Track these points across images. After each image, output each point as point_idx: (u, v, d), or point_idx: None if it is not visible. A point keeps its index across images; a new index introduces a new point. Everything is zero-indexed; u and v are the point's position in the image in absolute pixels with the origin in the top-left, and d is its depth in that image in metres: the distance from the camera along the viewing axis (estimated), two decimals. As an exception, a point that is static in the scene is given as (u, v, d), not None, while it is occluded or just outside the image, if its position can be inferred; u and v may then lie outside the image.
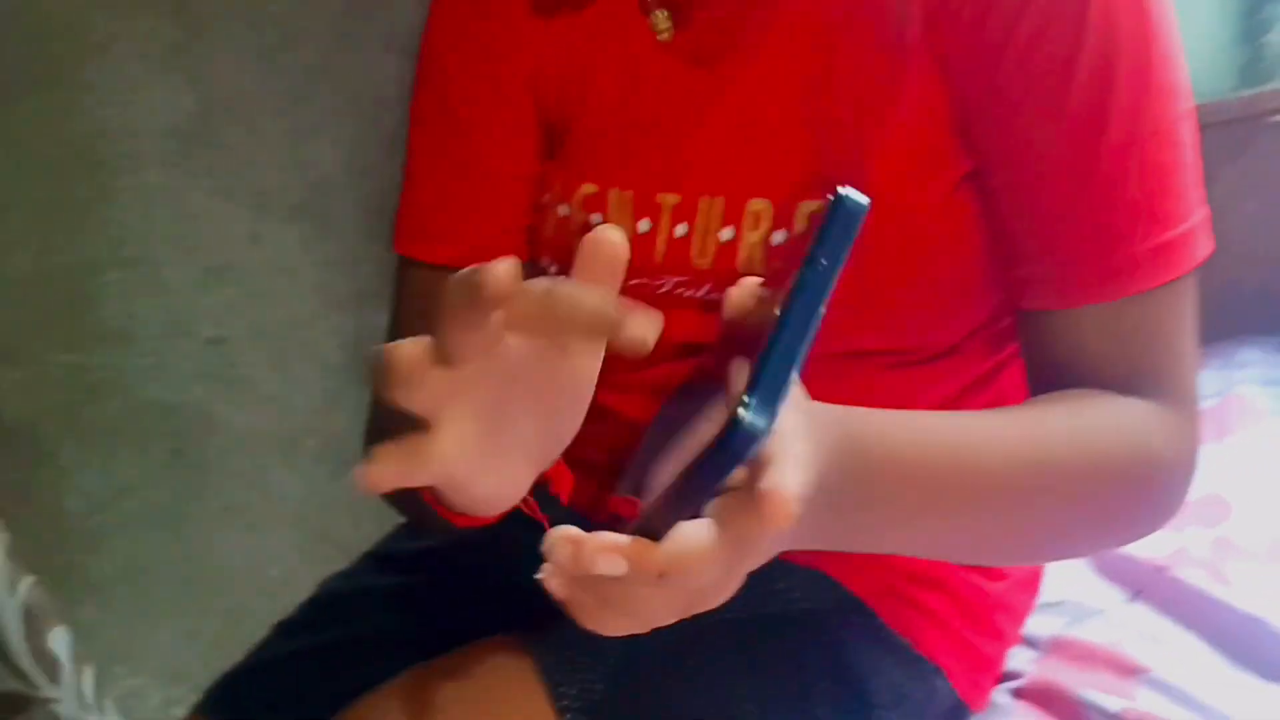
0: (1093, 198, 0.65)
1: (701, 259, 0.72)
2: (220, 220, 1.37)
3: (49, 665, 0.87)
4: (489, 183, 0.81)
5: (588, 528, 0.86)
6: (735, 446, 0.39)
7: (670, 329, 0.76)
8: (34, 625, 0.86)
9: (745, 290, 0.47)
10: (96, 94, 1.30)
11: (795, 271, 0.41)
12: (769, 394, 0.39)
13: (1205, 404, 1.30)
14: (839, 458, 0.50)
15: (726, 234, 0.70)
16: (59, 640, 0.88)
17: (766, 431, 0.39)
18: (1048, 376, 0.69)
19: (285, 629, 0.87)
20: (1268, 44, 1.45)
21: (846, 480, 0.51)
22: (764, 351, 0.39)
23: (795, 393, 0.47)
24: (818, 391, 0.72)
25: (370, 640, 0.82)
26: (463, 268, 0.79)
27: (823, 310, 0.41)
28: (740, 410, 0.38)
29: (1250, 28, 1.45)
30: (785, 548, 0.51)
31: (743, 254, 0.70)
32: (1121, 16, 0.63)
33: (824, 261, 0.40)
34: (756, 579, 0.78)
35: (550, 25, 0.78)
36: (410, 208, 0.84)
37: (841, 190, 0.42)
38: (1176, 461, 0.68)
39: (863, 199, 0.42)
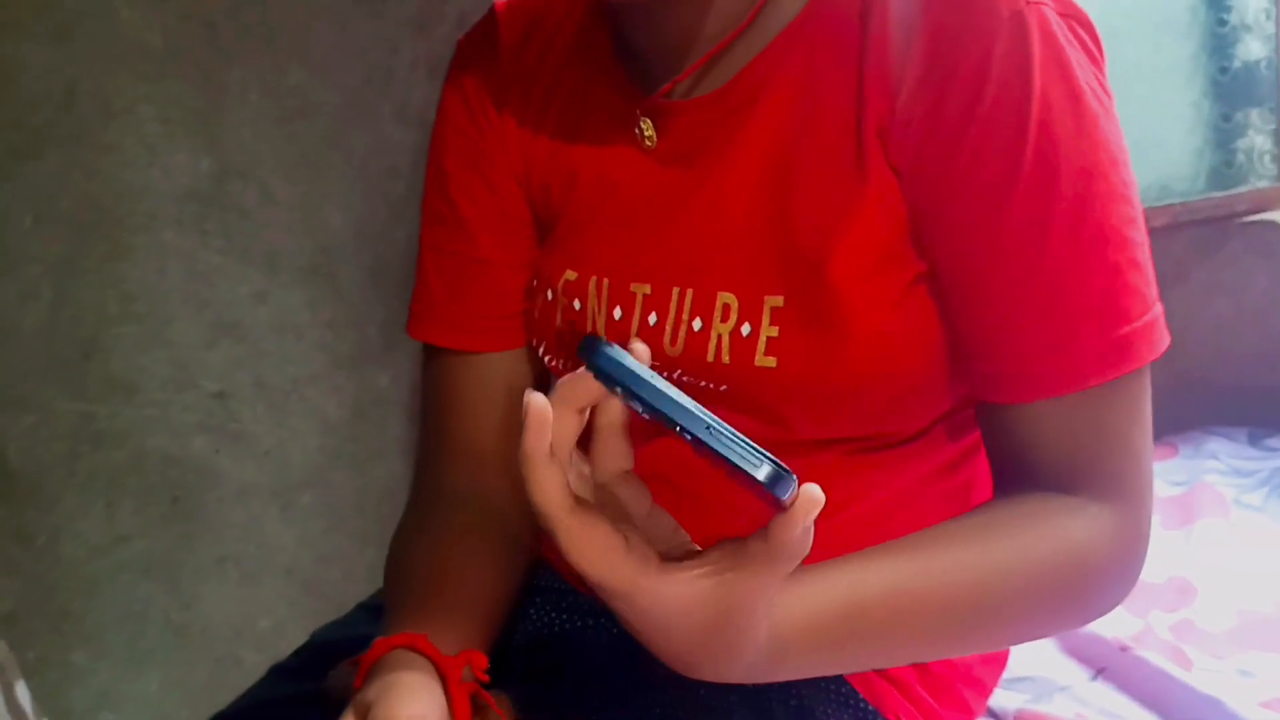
0: (1038, 301, 0.68)
1: (672, 347, 0.76)
2: (230, 279, 1.42)
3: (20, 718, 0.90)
4: (487, 273, 0.88)
5: (563, 586, 0.90)
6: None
7: None
8: (4, 678, 0.88)
9: None
10: (118, 155, 1.35)
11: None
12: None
13: (1173, 491, 1.35)
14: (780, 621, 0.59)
15: (696, 324, 0.75)
16: (23, 694, 0.90)
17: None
18: (1002, 466, 0.73)
19: (279, 674, 0.89)
20: (1239, 149, 1.51)
21: (784, 643, 0.60)
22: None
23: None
24: None
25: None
26: (469, 352, 0.85)
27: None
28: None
29: (1223, 133, 1.51)
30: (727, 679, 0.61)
31: (712, 343, 0.74)
32: (1059, 130, 0.66)
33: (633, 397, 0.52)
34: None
35: (538, 131, 0.85)
36: (421, 296, 0.91)
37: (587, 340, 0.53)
38: (1116, 563, 0.71)
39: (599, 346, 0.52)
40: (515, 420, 0.91)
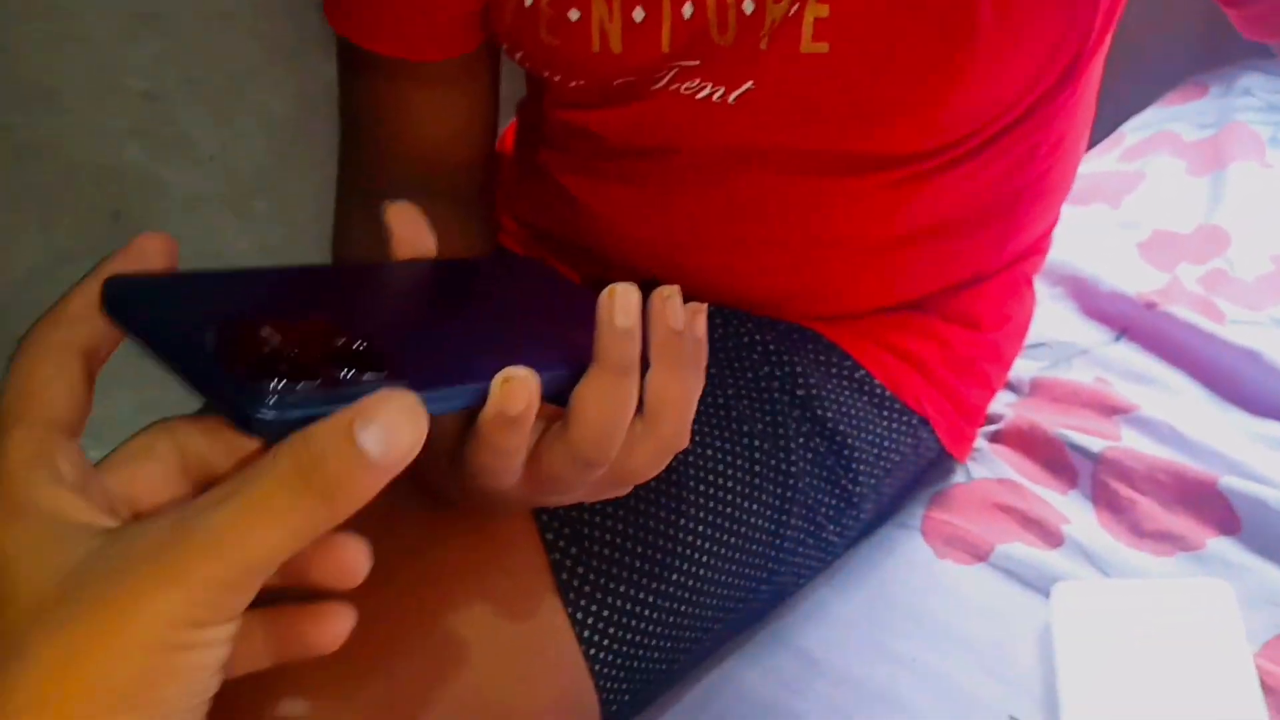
0: None
1: (723, 36, 0.62)
2: (143, -39, 1.27)
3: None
4: None
5: None
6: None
7: (653, 122, 0.68)
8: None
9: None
10: None
11: None
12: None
13: (1201, 134, 1.24)
14: None
15: (748, 6, 0.61)
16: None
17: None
18: None
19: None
20: None
21: None
22: None
23: None
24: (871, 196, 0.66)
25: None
26: (398, 57, 0.68)
27: None
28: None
29: None
30: None
31: (766, 25, 0.61)
32: None
33: None
34: (735, 333, 0.74)
35: None
36: None
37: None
38: None
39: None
40: (472, 127, 0.77)
